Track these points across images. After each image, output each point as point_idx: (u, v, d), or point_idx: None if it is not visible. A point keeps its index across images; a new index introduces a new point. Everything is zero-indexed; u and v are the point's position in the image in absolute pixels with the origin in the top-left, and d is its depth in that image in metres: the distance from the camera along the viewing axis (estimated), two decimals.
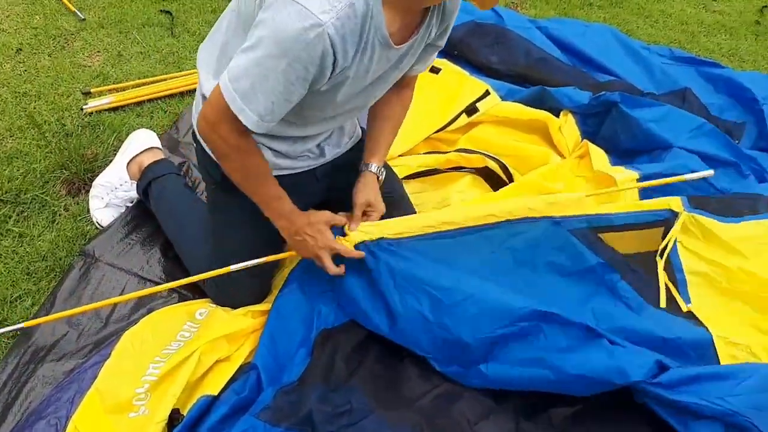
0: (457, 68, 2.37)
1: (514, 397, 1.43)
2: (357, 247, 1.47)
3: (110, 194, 1.90)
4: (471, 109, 2.17)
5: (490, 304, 1.41)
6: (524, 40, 2.55)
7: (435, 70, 2.29)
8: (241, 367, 1.49)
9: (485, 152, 2.02)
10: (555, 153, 2.06)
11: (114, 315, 1.63)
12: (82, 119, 2.23)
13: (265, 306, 1.62)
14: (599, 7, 3.39)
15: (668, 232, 1.59)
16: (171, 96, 2.39)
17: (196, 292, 1.70)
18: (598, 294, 1.52)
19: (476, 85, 2.25)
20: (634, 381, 1.28)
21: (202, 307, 1.63)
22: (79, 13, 2.74)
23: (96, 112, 2.27)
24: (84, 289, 1.67)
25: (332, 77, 1.20)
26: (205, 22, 2.83)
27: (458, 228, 1.51)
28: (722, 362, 1.42)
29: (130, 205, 1.91)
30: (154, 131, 2.08)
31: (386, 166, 1.78)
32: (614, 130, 2.04)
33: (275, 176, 1.43)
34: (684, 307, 1.52)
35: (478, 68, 2.49)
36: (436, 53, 1.48)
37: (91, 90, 2.35)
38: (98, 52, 2.59)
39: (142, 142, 1.96)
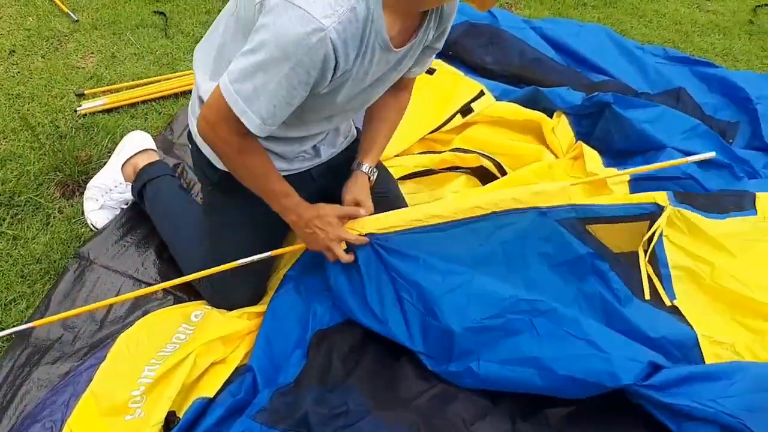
0: (452, 69, 2.37)
1: (510, 397, 1.43)
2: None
3: (105, 196, 1.89)
4: (466, 110, 2.17)
5: (478, 294, 1.43)
6: (518, 41, 2.55)
7: (430, 71, 2.29)
8: (236, 368, 1.49)
9: (480, 151, 2.02)
10: (549, 152, 2.06)
11: (109, 317, 1.63)
12: (76, 121, 2.23)
13: (260, 307, 1.62)
14: (593, 7, 3.40)
15: (653, 227, 1.60)
16: (165, 97, 2.39)
17: (191, 294, 1.69)
18: (586, 283, 1.52)
19: (471, 85, 2.25)
20: (625, 384, 1.28)
21: (197, 309, 1.62)
22: (72, 15, 2.73)
23: (90, 113, 2.26)
24: (79, 292, 1.67)
25: (333, 80, 1.21)
26: (199, 23, 2.82)
27: (446, 221, 1.52)
28: (707, 361, 1.43)
29: (125, 207, 1.91)
30: (149, 133, 2.08)
31: (381, 167, 1.78)
32: (608, 131, 2.05)
33: None
34: (668, 302, 1.52)
35: (472, 69, 2.49)
36: (434, 55, 1.49)
37: (85, 92, 2.35)
38: (92, 53, 2.58)
39: (137, 144, 1.95)
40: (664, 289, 1.55)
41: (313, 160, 1.57)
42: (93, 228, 1.87)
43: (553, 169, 1.89)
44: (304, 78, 1.15)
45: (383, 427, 1.35)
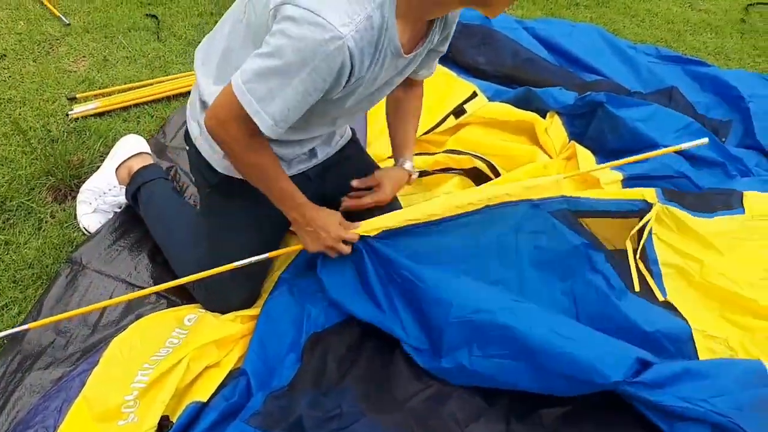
0: (445, 69, 2.38)
1: (504, 397, 1.43)
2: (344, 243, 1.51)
3: (98, 199, 1.89)
4: (459, 111, 2.17)
5: (466, 289, 1.45)
6: (511, 41, 2.56)
7: None
8: (230, 372, 1.48)
9: (473, 153, 2.02)
10: (542, 152, 2.06)
11: (102, 321, 1.62)
12: (68, 125, 2.22)
13: (254, 310, 1.62)
14: (586, 6, 3.41)
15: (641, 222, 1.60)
16: (158, 101, 2.38)
17: (184, 297, 1.68)
18: (581, 274, 1.52)
19: (464, 86, 2.25)
20: (614, 381, 1.28)
21: (190, 312, 1.62)
22: (63, 18, 2.72)
23: (82, 117, 2.25)
24: (71, 297, 1.66)
25: (346, 86, 1.23)
26: (191, 26, 2.82)
27: (440, 218, 1.53)
28: (701, 356, 1.43)
29: (118, 210, 1.90)
30: (141, 136, 2.07)
31: (377, 167, 1.79)
32: (601, 131, 2.05)
33: None
34: (660, 297, 1.53)
35: (465, 69, 2.49)
36: (438, 58, 1.52)
37: (77, 95, 2.34)
38: (84, 57, 2.57)
39: (131, 147, 1.95)
40: (656, 285, 1.55)
41: (310, 161, 1.58)
42: (85, 232, 1.86)
43: (547, 169, 1.89)
44: (319, 85, 1.17)
45: (378, 430, 1.35)
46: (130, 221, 1.86)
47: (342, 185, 1.68)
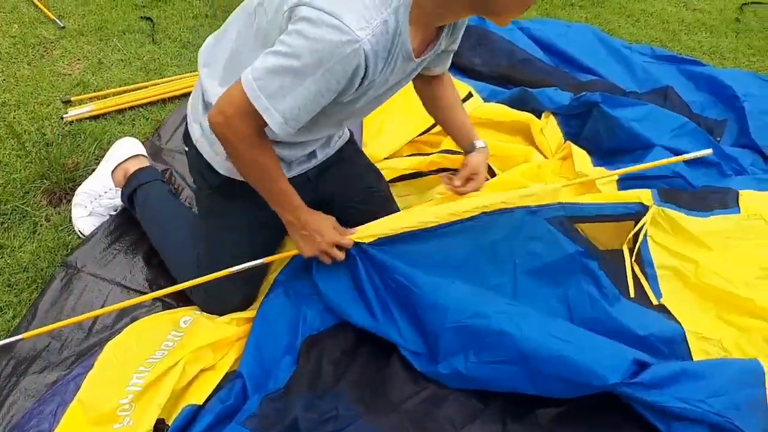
0: None
1: (500, 398, 1.42)
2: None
3: (94, 202, 1.88)
4: None
5: (461, 295, 1.44)
6: (507, 42, 2.56)
7: None
8: (226, 375, 1.48)
9: None
10: (537, 152, 2.06)
11: (97, 325, 1.61)
12: (63, 128, 2.21)
13: (250, 313, 1.61)
14: (581, 7, 3.41)
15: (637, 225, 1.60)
16: (153, 103, 2.38)
17: (180, 300, 1.68)
18: (575, 282, 1.53)
19: (459, 87, 2.25)
20: (612, 383, 1.28)
21: (186, 314, 1.61)
22: (58, 21, 2.71)
23: (77, 120, 2.25)
24: (66, 300, 1.65)
25: (358, 89, 1.23)
26: (186, 29, 2.81)
27: (436, 225, 1.53)
28: (695, 358, 1.43)
29: (114, 213, 1.90)
30: (137, 139, 2.06)
31: (372, 166, 1.82)
32: (596, 131, 2.05)
33: None
34: (654, 301, 1.52)
35: (461, 70, 2.49)
36: (451, 55, 1.54)
37: (72, 98, 2.33)
38: (78, 60, 2.57)
39: (126, 150, 1.94)
40: (650, 288, 1.55)
41: (310, 162, 1.58)
42: (80, 235, 1.85)
43: (542, 169, 1.89)
44: (332, 86, 1.17)
45: None
46: (126, 224, 1.86)
47: (339, 186, 1.69)
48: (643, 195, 1.63)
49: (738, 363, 1.33)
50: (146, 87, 2.43)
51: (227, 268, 1.52)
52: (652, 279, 1.57)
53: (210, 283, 1.54)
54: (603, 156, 1.98)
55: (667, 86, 2.40)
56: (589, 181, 1.80)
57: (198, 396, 1.42)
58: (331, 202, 1.72)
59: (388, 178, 1.93)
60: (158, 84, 2.45)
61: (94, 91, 2.39)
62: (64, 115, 2.24)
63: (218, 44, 1.42)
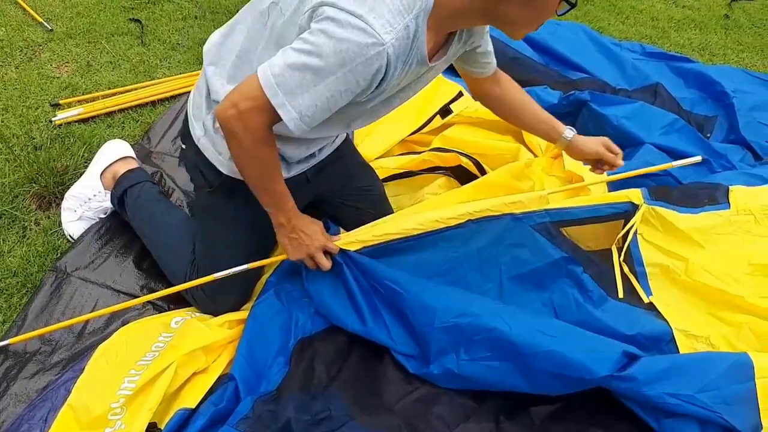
0: None
1: (493, 397, 1.43)
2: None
3: (83, 206, 1.87)
4: (445, 111, 2.17)
5: (448, 296, 1.45)
6: (497, 40, 2.55)
7: None
8: (219, 378, 1.47)
9: (459, 150, 2.02)
10: (526, 150, 2.06)
11: (88, 329, 1.61)
12: (52, 131, 2.20)
13: (242, 314, 1.61)
14: None
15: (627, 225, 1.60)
16: (142, 105, 2.37)
17: (171, 302, 1.68)
18: (560, 288, 1.53)
19: (449, 86, 2.25)
20: (602, 376, 1.28)
21: (177, 316, 1.61)
22: (46, 24, 2.70)
23: (65, 123, 2.24)
24: (56, 305, 1.65)
25: (375, 91, 1.24)
26: (175, 30, 2.80)
27: (421, 232, 1.53)
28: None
29: (103, 216, 1.89)
30: (126, 141, 2.05)
31: (367, 165, 1.83)
32: (586, 129, 2.05)
33: None
34: (645, 299, 1.53)
35: (451, 69, 2.48)
36: (488, 54, 1.55)
37: (60, 101, 2.32)
38: (67, 62, 2.55)
39: (115, 152, 1.94)
40: (640, 286, 1.56)
41: (309, 163, 1.57)
42: (70, 239, 1.84)
43: (529, 168, 1.89)
44: (352, 86, 1.18)
45: None
46: (115, 227, 1.85)
47: (335, 185, 1.70)
48: (633, 194, 1.63)
49: (727, 357, 1.33)
50: (135, 89, 2.42)
51: (224, 266, 1.53)
52: (642, 277, 1.57)
53: (208, 285, 1.54)
54: None
55: (656, 83, 2.41)
56: (578, 178, 1.80)
57: (190, 399, 1.41)
58: (326, 201, 1.72)
59: (380, 177, 1.93)
60: (147, 86, 2.44)
61: (83, 94, 2.38)
62: (53, 119, 2.23)
63: (225, 43, 1.41)
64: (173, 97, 2.42)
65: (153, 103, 2.38)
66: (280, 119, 1.20)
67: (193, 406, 1.40)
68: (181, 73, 2.54)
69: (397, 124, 2.12)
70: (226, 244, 1.58)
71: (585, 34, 2.69)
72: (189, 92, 2.40)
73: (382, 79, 1.20)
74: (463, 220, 1.54)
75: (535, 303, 1.52)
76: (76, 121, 2.25)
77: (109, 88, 2.42)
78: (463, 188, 1.83)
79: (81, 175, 1.96)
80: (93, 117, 2.28)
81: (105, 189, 1.88)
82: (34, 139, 2.17)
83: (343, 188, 1.72)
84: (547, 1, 1.19)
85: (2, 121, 2.23)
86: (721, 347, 1.45)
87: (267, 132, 1.27)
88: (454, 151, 2.01)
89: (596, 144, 1.64)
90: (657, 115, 2.12)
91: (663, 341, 1.43)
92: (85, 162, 2.06)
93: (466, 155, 2.00)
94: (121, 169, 1.88)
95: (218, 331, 1.54)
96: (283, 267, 1.65)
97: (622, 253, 1.58)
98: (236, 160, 1.35)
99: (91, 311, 1.62)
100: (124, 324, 1.58)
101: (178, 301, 1.67)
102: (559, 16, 1.23)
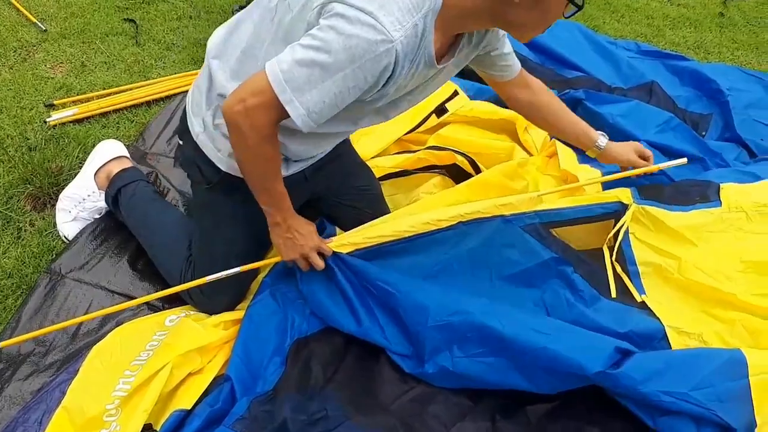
0: None
1: (489, 395, 1.43)
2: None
3: (78, 206, 1.87)
4: (440, 110, 2.16)
5: (440, 295, 1.45)
6: None
7: None
8: (214, 379, 1.47)
9: (454, 149, 2.02)
10: (520, 150, 2.06)
11: (82, 329, 1.60)
12: (46, 132, 2.19)
13: (237, 314, 1.61)
14: None
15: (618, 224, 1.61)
16: (137, 106, 2.37)
17: (166, 301, 1.68)
18: (551, 288, 1.54)
19: (445, 85, 2.24)
20: (595, 372, 1.28)
21: (172, 314, 1.61)
22: (40, 24, 2.69)
23: (60, 124, 2.23)
24: (50, 307, 1.64)
25: (381, 89, 1.24)
26: (169, 30, 2.80)
27: (412, 235, 1.53)
28: None
29: (98, 216, 1.88)
30: (121, 141, 2.05)
31: (365, 164, 1.83)
32: None
33: None
34: (638, 298, 1.53)
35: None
36: (507, 57, 1.55)
37: (55, 102, 2.32)
38: (61, 63, 2.54)
39: (109, 152, 1.93)
40: (633, 285, 1.56)
41: (308, 161, 1.57)
42: (65, 240, 1.84)
43: (523, 167, 1.88)
44: (360, 83, 1.18)
45: None
46: (109, 228, 1.85)
47: (332, 183, 1.70)
48: (622, 194, 1.63)
49: (721, 354, 1.33)
50: (130, 89, 2.41)
51: (221, 263, 1.53)
52: (635, 276, 1.57)
53: (205, 284, 1.54)
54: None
55: (652, 81, 2.41)
56: (572, 177, 1.80)
57: (186, 401, 1.41)
58: (322, 200, 1.72)
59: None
60: (142, 86, 2.43)
61: (78, 95, 2.38)
62: (47, 119, 2.22)
63: (230, 38, 1.40)
64: (168, 97, 2.41)
65: (148, 104, 2.37)
66: (287, 116, 1.20)
67: (189, 407, 1.39)
68: (176, 73, 2.54)
69: (393, 124, 2.11)
70: (224, 241, 1.58)
71: (580, 32, 2.69)
72: (184, 92, 2.42)
73: (389, 78, 1.20)
74: (454, 222, 1.54)
75: (527, 303, 1.52)
76: (70, 122, 2.24)
77: (104, 89, 2.42)
78: (456, 188, 1.83)
79: (76, 176, 1.95)
80: (88, 117, 2.27)
81: (99, 189, 1.88)
82: (28, 139, 2.16)
83: (340, 187, 1.72)
84: (553, 3, 1.19)
85: None
86: (714, 344, 1.45)
87: (273, 130, 1.27)
88: (449, 149, 2.01)
89: (628, 151, 1.69)
90: (652, 114, 2.12)
91: (655, 339, 1.43)
92: (80, 163, 2.05)
93: (461, 153, 2.00)
94: (115, 168, 1.88)
95: (213, 332, 1.54)
96: (278, 268, 1.65)
97: (614, 253, 1.58)
98: (239, 158, 1.35)
99: (86, 312, 1.62)
100: (118, 324, 1.57)
101: (173, 300, 1.66)
102: (566, 18, 1.23)
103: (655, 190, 1.68)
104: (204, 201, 1.61)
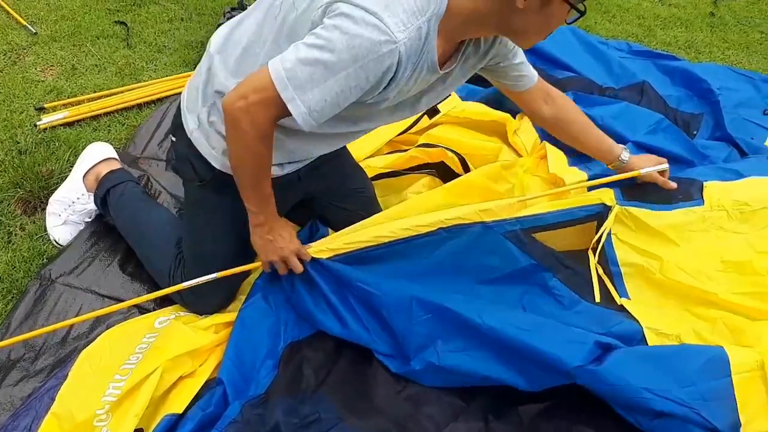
0: None
1: (482, 395, 1.43)
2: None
3: (67, 210, 1.86)
4: (432, 110, 2.16)
5: (421, 295, 1.46)
6: None
7: None
8: (206, 383, 1.46)
9: (445, 146, 2.01)
10: (508, 151, 2.06)
11: (72, 334, 1.60)
12: (36, 136, 2.18)
13: (228, 317, 1.60)
14: None
15: (601, 226, 1.61)
16: (128, 108, 2.36)
17: (156, 302, 1.67)
18: (529, 293, 1.55)
19: None
20: (575, 366, 1.28)
21: (161, 315, 1.60)
22: (30, 27, 2.68)
23: (50, 127, 2.22)
24: (40, 312, 1.63)
25: (382, 92, 1.24)
26: (161, 32, 2.79)
27: (392, 240, 1.53)
28: None
29: (89, 220, 1.87)
30: (112, 145, 2.04)
31: (358, 166, 1.83)
32: None
33: None
34: (618, 300, 1.53)
35: None
36: (519, 67, 1.55)
37: (45, 105, 2.31)
38: (51, 66, 2.53)
39: (97, 154, 1.93)
40: (615, 287, 1.56)
41: (303, 162, 1.56)
42: (56, 244, 1.83)
43: (507, 170, 1.87)
44: (362, 83, 1.18)
45: None
46: (99, 231, 1.84)
47: (326, 184, 1.70)
48: (605, 195, 1.63)
49: (703, 351, 1.33)
50: (121, 92, 2.40)
51: (211, 261, 1.54)
52: (617, 277, 1.57)
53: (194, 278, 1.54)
54: (580, 154, 1.98)
55: (643, 81, 2.42)
56: (560, 180, 1.80)
57: (178, 405, 1.40)
58: (315, 201, 1.72)
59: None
60: (133, 89, 2.43)
61: (68, 98, 2.37)
62: (38, 123, 2.21)
63: (232, 36, 1.40)
64: (159, 100, 2.41)
65: (139, 106, 2.37)
66: (288, 114, 1.20)
67: (181, 411, 1.38)
68: (167, 76, 2.53)
69: (385, 125, 2.11)
70: (214, 239, 1.57)
71: (571, 32, 2.69)
72: (175, 95, 2.41)
73: (391, 79, 1.20)
74: (435, 228, 1.54)
75: (506, 305, 1.53)
76: (61, 125, 2.23)
77: (95, 92, 2.41)
78: (437, 190, 1.81)
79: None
80: (78, 121, 2.26)
81: (88, 191, 1.87)
82: (18, 143, 2.15)
83: (335, 189, 1.72)
84: (557, 9, 1.19)
85: None
86: (693, 342, 1.45)
87: (271, 128, 1.28)
88: (439, 146, 2.01)
89: (646, 164, 1.69)
90: (642, 115, 2.12)
91: (634, 340, 1.43)
92: (71, 166, 2.03)
93: (452, 150, 2.00)
94: (104, 170, 1.87)
95: (204, 336, 1.54)
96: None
97: (597, 254, 1.58)
98: (234, 154, 1.35)
99: (76, 316, 1.61)
100: (108, 328, 1.57)
101: (162, 301, 1.66)
102: (568, 24, 1.24)
103: (638, 190, 1.68)
104: (196, 198, 1.60)
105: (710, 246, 1.58)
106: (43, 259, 1.80)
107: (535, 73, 1.60)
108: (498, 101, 2.19)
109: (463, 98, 2.23)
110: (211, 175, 1.49)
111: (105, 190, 1.80)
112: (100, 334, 1.54)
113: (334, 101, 1.20)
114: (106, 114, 2.31)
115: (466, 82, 2.31)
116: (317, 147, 1.50)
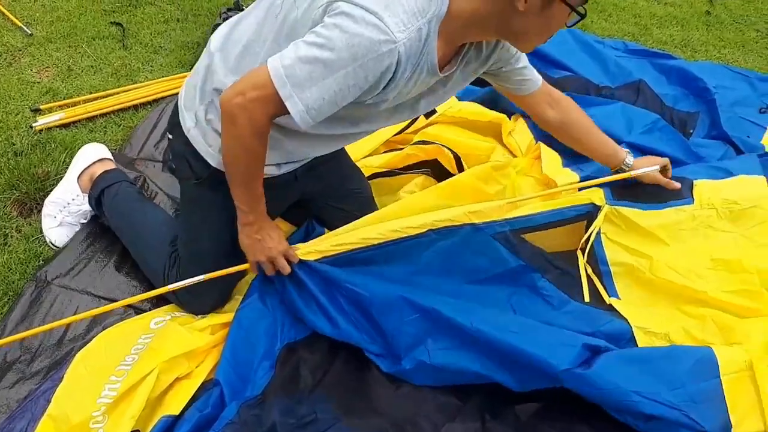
0: None
1: (478, 395, 1.43)
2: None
3: (63, 211, 1.86)
4: (429, 111, 2.16)
5: (410, 295, 1.46)
6: None
7: None
8: (203, 384, 1.46)
9: (441, 143, 2.01)
10: (501, 150, 2.06)
11: (68, 335, 1.59)
12: (32, 137, 2.18)
13: (225, 317, 1.60)
14: None
15: (591, 226, 1.61)
16: (124, 109, 2.35)
17: (151, 302, 1.67)
18: (518, 294, 1.55)
19: None
20: (563, 369, 1.28)
21: (157, 316, 1.60)
22: (25, 28, 2.67)
23: (46, 129, 2.21)
24: (35, 314, 1.63)
25: (381, 92, 1.24)
26: (157, 33, 2.78)
27: (381, 242, 1.53)
28: None
29: (84, 221, 1.87)
30: (108, 146, 2.04)
31: (356, 167, 1.83)
32: None
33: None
34: (607, 300, 1.53)
35: None
36: (522, 71, 1.56)
37: (41, 107, 2.30)
38: (47, 67, 2.53)
39: (91, 155, 1.93)
40: (604, 286, 1.56)
41: (300, 162, 1.57)
42: (52, 246, 1.83)
43: (499, 171, 1.86)
44: (360, 82, 1.18)
45: None
46: (95, 233, 1.84)
47: (323, 185, 1.70)
48: (595, 195, 1.63)
49: (692, 353, 1.33)
50: (117, 93, 2.40)
51: (206, 259, 1.54)
52: (606, 276, 1.58)
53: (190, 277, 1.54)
54: (575, 155, 1.98)
55: (639, 80, 2.42)
56: (552, 181, 1.80)
57: (174, 406, 1.40)
58: (312, 201, 1.72)
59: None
60: (129, 90, 2.42)
61: (64, 99, 2.36)
62: (34, 124, 2.21)
63: (232, 34, 1.40)
64: (156, 101, 2.40)
65: (135, 107, 2.36)
66: (286, 111, 1.20)
67: (177, 413, 1.38)
68: (163, 77, 2.53)
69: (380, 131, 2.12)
70: (210, 237, 1.57)
71: (568, 31, 2.69)
72: (171, 96, 2.41)
73: (390, 79, 1.21)
74: (424, 230, 1.54)
75: (495, 305, 1.53)
76: (57, 127, 2.23)
77: (91, 93, 2.40)
78: (428, 191, 1.81)
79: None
80: (74, 122, 2.26)
81: (83, 192, 1.87)
82: (14, 145, 2.14)
83: (332, 189, 1.72)
84: (557, 12, 1.20)
85: None
86: (682, 343, 1.45)
87: (268, 126, 1.28)
88: (435, 143, 2.01)
89: (653, 171, 1.70)
90: (638, 115, 2.12)
91: (623, 339, 1.44)
92: (67, 168, 2.02)
93: (447, 148, 1.99)
94: (98, 170, 1.87)
95: (200, 337, 1.54)
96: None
97: (586, 254, 1.58)
98: (228, 150, 1.35)
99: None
100: (105, 329, 1.57)
101: (158, 300, 1.66)
102: (568, 27, 1.24)
103: (628, 189, 1.69)
104: (192, 196, 1.60)
105: (700, 245, 1.58)
106: (39, 261, 1.79)
107: (539, 77, 1.61)
108: (493, 101, 2.19)
109: (460, 98, 2.23)
110: (208, 172, 1.49)
111: (99, 191, 1.80)
112: (97, 335, 1.53)
113: (333, 100, 1.20)
114: (102, 115, 2.30)
115: None
116: (316, 148, 1.50)
